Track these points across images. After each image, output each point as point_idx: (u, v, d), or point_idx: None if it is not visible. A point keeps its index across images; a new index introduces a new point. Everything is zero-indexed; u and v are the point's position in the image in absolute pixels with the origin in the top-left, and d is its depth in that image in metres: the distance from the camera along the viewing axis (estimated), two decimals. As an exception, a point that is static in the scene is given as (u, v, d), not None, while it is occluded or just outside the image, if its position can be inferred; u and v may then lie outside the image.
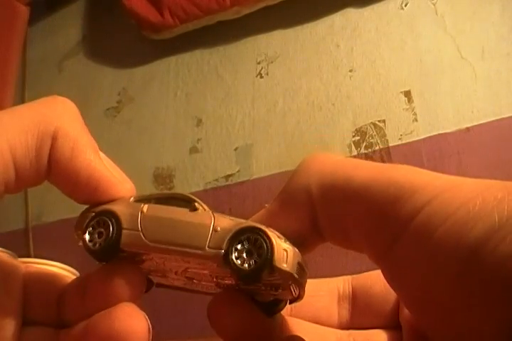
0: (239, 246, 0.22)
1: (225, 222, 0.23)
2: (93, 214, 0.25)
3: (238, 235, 0.22)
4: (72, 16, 1.25)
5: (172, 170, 1.04)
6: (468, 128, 0.82)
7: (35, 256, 1.03)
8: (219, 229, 0.23)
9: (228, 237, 0.22)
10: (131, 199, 0.25)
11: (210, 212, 0.23)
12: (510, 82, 0.83)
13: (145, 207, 0.24)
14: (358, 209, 0.20)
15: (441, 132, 0.83)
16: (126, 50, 1.17)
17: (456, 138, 0.81)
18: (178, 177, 1.03)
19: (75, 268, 0.92)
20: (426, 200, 0.18)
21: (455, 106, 0.85)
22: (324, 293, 0.27)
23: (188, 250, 0.22)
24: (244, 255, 0.22)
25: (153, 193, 0.25)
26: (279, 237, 0.22)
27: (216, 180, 0.99)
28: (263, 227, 0.22)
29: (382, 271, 0.20)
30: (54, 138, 0.23)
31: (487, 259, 0.15)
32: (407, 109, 0.88)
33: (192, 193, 0.25)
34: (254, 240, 0.22)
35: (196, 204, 0.24)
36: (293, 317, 0.26)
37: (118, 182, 0.24)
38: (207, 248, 0.22)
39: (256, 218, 0.25)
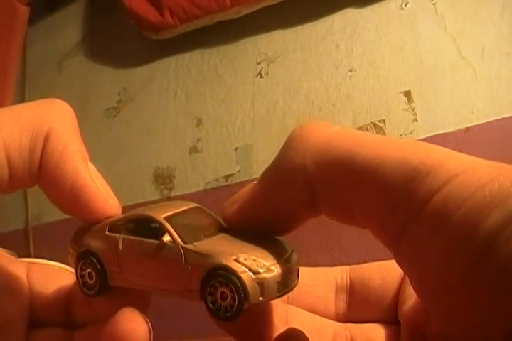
0: (211, 289, 0.22)
1: (195, 258, 0.22)
2: (79, 252, 0.25)
3: (209, 278, 0.22)
4: (72, 16, 1.25)
5: (172, 170, 1.04)
6: (468, 128, 0.82)
7: (35, 256, 1.03)
8: (190, 267, 0.22)
9: (200, 279, 0.22)
10: (106, 229, 0.25)
11: (180, 246, 0.23)
12: (510, 82, 0.83)
13: (120, 243, 0.24)
14: (365, 189, 0.19)
15: (441, 132, 0.83)
16: (126, 50, 1.17)
17: (456, 138, 0.81)
18: (178, 177, 1.03)
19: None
20: (441, 182, 0.17)
21: (455, 106, 0.85)
22: (322, 283, 0.27)
23: (168, 289, 0.23)
24: (219, 299, 0.22)
25: (125, 215, 0.25)
26: (251, 268, 0.22)
27: (216, 180, 0.99)
28: (233, 266, 0.21)
29: (393, 252, 0.20)
30: (46, 139, 0.23)
31: (501, 249, 0.15)
32: (407, 109, 0.88)
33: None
34: (225, 284, 0.22)
35: (164, 237, 0.23)
36: (290, 305, 0.26)
37: (101, 196, 0.24)
38: (183, 288, 0.22)
39: (243, 197, 0.23)
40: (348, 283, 0.27)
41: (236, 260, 0.22)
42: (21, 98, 1.19)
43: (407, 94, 0.88)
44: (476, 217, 0.16)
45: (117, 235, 0.24)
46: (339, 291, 0.27)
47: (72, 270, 0.27)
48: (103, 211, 0.24)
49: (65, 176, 0.23)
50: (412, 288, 0.24)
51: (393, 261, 0.26)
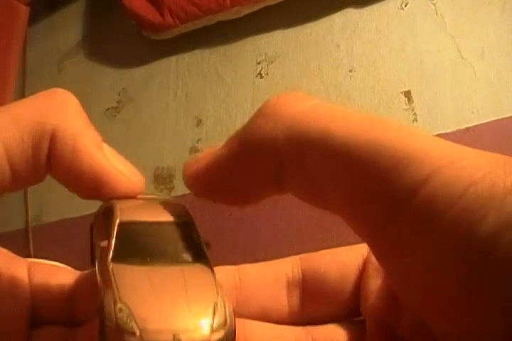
0: None
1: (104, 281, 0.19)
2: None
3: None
4: (72, 16, 1.25)
5: (172, 170, 1.04)
6: (468, 128, 0.82)
7: (35, 256, 1.03)
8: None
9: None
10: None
11: (105, 262, 0.20)
12: (510, 82, 0.83)
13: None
14: (339, 173, 0.17)
15: (441, 132, 0.83)
16: (126, 50, 1.17)
17: (456, 138, 0.81)
18: (178, 178, 1.03)
19: (75, 268, 0.91)
20: (425, 174, 0.16)
21: (455, 106, 0.85)
22: (271, 281, 0.24)
23: None
24: None
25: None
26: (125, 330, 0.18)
27: (216, 180, 0.99)
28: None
29: (370, 246, 0.18)
30: (53, 137, 0.22)
31: (500, 257, 0.14)
32: (407, 109, 0.88)
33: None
34: None
35: (103, 242, 0.20)
36: (245, 319, 0.24)
37: (123, 177, 0.23)
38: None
39: (206, 159, 0.21)
40: (301, 276, 0.24)
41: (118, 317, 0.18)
42: (21, 98, 1.19)
43: (407, 94, 0.88)
44: (470, 219, 0.15)
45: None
46: (291, 287, 0.24)
47: (73, 270, 0.26)
48: (128, 190, 0.23)
49: (83, 168, 0.22)
50: (372, 282, 0.23)
51: (349, 249, 0.24)
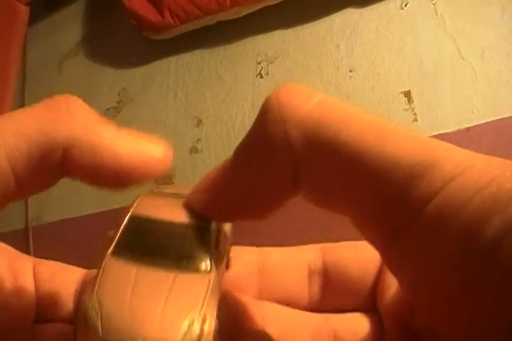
0: None
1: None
2: None
3: None
4: (72, 16, 1.25)
5: (172, 170, 1.04)
6: (468, 128, 0.82)
7: (35, 256, 1.03)
8: None
9: None
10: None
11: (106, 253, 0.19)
12: (510, 82, 0.83)
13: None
14: (353, 181, 0.17)
15: (441, 132, 0.83)
16: (126, 50, 1.17)
17: (456, 138, 0.81)
18: (178, 178, 1.03)
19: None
20: (438, 185, 0.16)
21: (455, 106, 0.85)
22: (294, 267, 0.24)
23: None
24: None
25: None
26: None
27: (216, 180, 0.99)
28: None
29: (381, 254, 0.18)
30: (67, 150, 0.21)
31: (504, 261, 0.15)
32: (407, 109, 0.88)
33: None
34: None
35: (109, 231, 0.20)
36: (265, 302, 0.24)
37: (151, 161, 0.22)
38: None
39: (217, 176, 0.21)
40: (322, 266, 0.25)
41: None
42: (21, 98, 1.19)
43: (407, 94, 0.88)
44: (476, 224, 0.15)
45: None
46: (312, 275, 0.25)
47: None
48: (159, 170, 0.22)
49: (108, 167, 0.21)
50: (391, 277, 0.22)
51: (368, 244, 0.25)
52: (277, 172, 0.19)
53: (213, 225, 0.21)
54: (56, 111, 0.22)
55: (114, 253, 0.19)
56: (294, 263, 0.24)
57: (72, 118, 0.22)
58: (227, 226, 0.22)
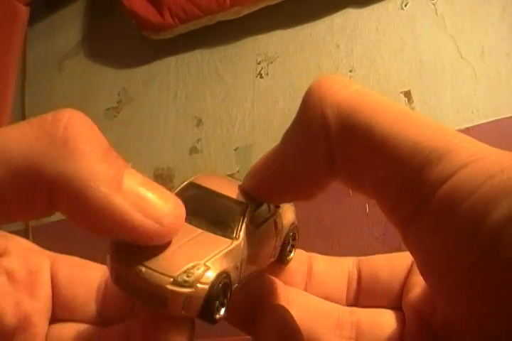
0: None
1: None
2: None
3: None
4: (72, 16, 1.25)
5: (172, 170, 1.04)
6: (468, 128, 0.82)
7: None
8: None
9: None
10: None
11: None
12: (510, 82, 0.83)
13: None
14: (379, 164, 0.19)
15: (441, 132, 0.83)
16: (126, 50, 1.17)
17: (456, 138, 0.81)
18: (178, 178, 1.03)
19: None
20: (451, 171, 0.17)
21: (455, 106, 0.85)
22: (337, 272, 0.27)
23: None
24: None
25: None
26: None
27: (216, 180, 0.99)
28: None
29: (401, 233, 0.19)
30: (54, 190, 0.19)
31: (506, 245, 0.15)
32: (407, 109, 0.88)
33: None
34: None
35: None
36: (290, 287, 0.26)
37: (149, 224, 0.19)
38: None
39: (265, 161, 0.22)
40: (358, 274, 0.27)
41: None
42: (21, 98, 1.19)
43: (407, 94, 0.88)
44: (484, 208, 0.16)
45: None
46: (351, 281, 0.27)
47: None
48: (159, 237, 0.20)
49: (101, 217, 0.19)
50: (417, 277, 0.25)
51: (400, 254, 0.26)
52: (315, 154, 0.20)
53: (264, 206, 0.23)
54: (50, 137, 0.19)
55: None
56: (337, 269, 0.27)
57: (66, 152, 0.18)
58: (287, 220, 0.24)
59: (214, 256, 0.21)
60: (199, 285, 0.19)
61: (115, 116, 1.13)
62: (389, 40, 0.93)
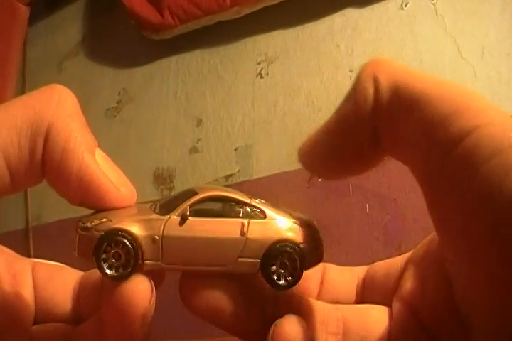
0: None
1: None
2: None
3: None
4: (72, 16, 1.25)
5: (172, 170, 1.04)
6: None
7: (35, 256, 1.03)
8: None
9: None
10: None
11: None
12: (510, 82, 0.83)
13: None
14: (414, 121, 0.19)
15: (441, 132, 0.83)
16: (126, 50, 1.17)
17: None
18: (178, 178, 1.03)
19: (74, 268, 0.92)
20: (473, 125, 0.18)
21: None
22: (347, 279, 0.28)
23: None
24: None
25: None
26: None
27: (216, 180, 0.99)
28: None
29: (424, 193, 0.20)
30: (46, 137, 0.22)
31: None
32: (407, 109, 0.88)
33: None
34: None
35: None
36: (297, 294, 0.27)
37: (111, 187, 0.23)
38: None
39: (314, 136, 0.23)
40: (363, 278, 0.28)
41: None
42: (21, 98, 1.19)
43: (407, 94, 0.88)
44: (503, 174, 0.16)
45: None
46: (359, 287, 0.28)
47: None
48: (117, 202, 0.23)
49: (71, 172, 0.22)
50: (408, 273, 0.25)
51: (396, 259, 0.27)
52: (361, 127, 0.21)
53: (229, 205, 0.25)
54: (45, 99, 0.23)
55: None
56: (348, 275, 0.28)
57: (59, 108, 0.22)
58: (272, 233, 0.25)
59: (126, 217, 0.23)
60: (94, 231, 0.23)
61: (115, 116, 1.13)
62: (389, 40, 0.93)
